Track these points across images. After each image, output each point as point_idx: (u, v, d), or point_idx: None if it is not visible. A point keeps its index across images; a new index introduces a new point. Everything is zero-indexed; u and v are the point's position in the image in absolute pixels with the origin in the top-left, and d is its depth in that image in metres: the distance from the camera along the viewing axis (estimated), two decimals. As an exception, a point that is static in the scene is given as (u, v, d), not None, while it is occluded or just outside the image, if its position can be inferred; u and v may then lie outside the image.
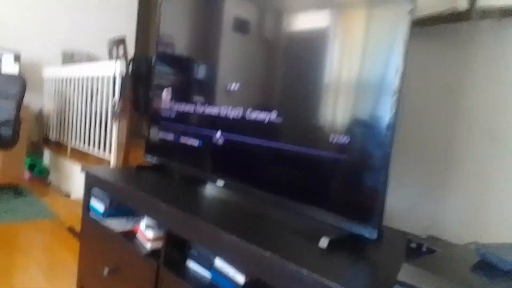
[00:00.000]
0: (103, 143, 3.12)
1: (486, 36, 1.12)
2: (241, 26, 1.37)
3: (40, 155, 4.05)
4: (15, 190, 3.23)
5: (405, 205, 1.26)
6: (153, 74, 1.74)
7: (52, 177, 3.77)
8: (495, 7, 1.07)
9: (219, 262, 1.08)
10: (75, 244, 2.26)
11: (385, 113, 0.92)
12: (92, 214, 1.59)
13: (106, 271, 1.39)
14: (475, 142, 1.13)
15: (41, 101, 4.25)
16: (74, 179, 3.29)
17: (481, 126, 1.12)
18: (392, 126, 0.90)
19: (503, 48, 1.09)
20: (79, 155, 3.50)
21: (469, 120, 1.14)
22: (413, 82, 1.25)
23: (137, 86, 3.04)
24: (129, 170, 1.70)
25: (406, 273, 0.68)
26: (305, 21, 1.16)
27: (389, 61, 0.92)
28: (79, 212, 1.69)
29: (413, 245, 0.97)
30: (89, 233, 1.60)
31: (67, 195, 3.35)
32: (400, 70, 0.89)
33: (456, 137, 1.17)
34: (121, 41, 3.22)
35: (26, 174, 3.67)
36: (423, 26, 1.22)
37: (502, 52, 1.09)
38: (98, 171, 1.61)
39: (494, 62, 1.10)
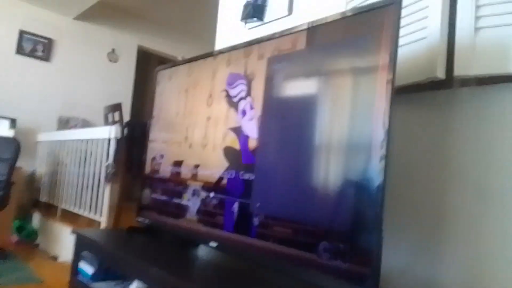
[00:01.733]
0: (95, 205, 3.08)
1: (465, 103, 1.19)
2: (229, 97, 1.44)
3: (29, 217, 3.97)
4: (1, 253, 3.12)
5: (401, 265, 1.25)
6: (148, 138, 1.78)
7: (40, 240, 3.66)
8: (471, 76, 1.14)
9: (211, 328, 1.04)
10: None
11: (374, 176, 0.94)
12: (80, 277, 1.54)
13: None
14: (466, 199, 1.15)
15: (33, 164, 4.25)
16: (63, 242, 3.21)
17: (469, 186, 1.15)
18: (381, 187, 0.93)
19: (482, 113, 1.15)
20: (70, 218, 3.44)
21: (457, 181, 1.17)
22: (402, 145, 1.29)
23: (131, 149, 3.08)
24: (120, 232, 1.68)
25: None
26: (290, 95, 1.22)
27: (374, 127, 0.96)
28: (66, 276, 1.64)
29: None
30: (76, 298, 1.54)
31: (54, 259, 3.24)
32: (385, 134, 0.93)
33: (446, 196, 1.19)
34: (117, 107, 3.32)
35: (14, 237, 3.57)
36: (405, 93, 1.29)
37: (481, 116, 1.15)
38: (89, 233, 1.58)
39: (475, 126, 1.16)
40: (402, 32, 1.10)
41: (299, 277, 1.07)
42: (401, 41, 1.09)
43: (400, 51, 1.07)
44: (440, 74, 1.16)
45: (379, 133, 0.95)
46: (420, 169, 1.26)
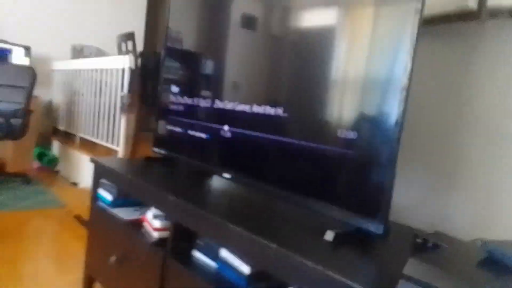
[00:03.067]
0: (112, 135, 3.15)
1: (494, 36, 1.12)
2: (249, 22, 1.38)
3: (49, 145, 4.09)
4: (24, 179, 3.27)
5: (412, 201, 1.27)
6: (162, 68, 1.75)
7: (60, 167, 3.81)
8: (504, 6, 1.07)
9: (224, 253, 1.09)
10: (82, 233, 2.29)
11: (393, 110, 0.92)
12: (100, 203, 1.61)
13: (113, 259, 1.41)
14: (482, 141, 1.13)
15: (50, 93, 4.29)
16: (82, 169, 3.33)
17: (488, 125, 1.12)
18: (399, 123, 0.91)
19: (511, 47, 1.08)
20: (88, 146, 3.54)
21: (476, 119, 1.14)
22: (421, 80, 1.24)
23: (145, 80, 3.07)
24: (137, 162, 1.72)
25: (412, 267, 0.68)
26: (313, 19, 1.16)
27: (397, 59, 0.92)
28: (86, 201, 1.72)
29: (419, 240, 0.97)
30: (96, 221, 1.63)
31: (75, 184, 3.39)
32: (408, 68, 0.90)
33: (462, 135, 1.17)
34: (130, 36, 3.24)
35: (35, 164, 3.71)
36: (432, 24, 1.22)
37: (509, 51, 1.08)
38: (107, 162, 1.62)
39: (502, 63, 1.10)
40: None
41: (310, 207, 1.09)
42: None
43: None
44: (472, 3, 1.08)
45: (401, 65, 0.91)
46: (438, 107, 1.23)
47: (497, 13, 1.08)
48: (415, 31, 0.89)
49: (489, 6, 1.07)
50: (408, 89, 0.89)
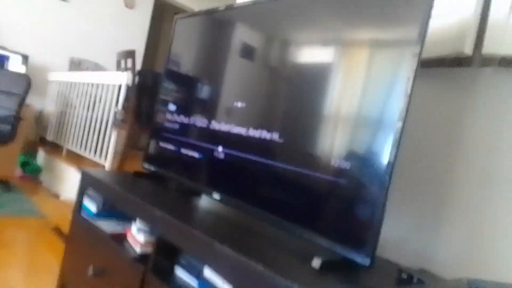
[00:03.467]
0: (100, 149, 3.12)
1: (487, 83, 1.17)
2: (249, 52, 1.42)
3: (35, 154, 4.03)
4: (5, 185, 3.19)
5: (398, 237, 1.27)
6: (161, 88, 1.77)
7: (43, 177, 3.74)
8: (497, 55, 1.12)
9: (208, 272, 1.07)
10: (58, 245, 2.23)
11: (386, 146, 0.94)
12: (83, 214, 1.58)
13: (91, 271, 1.36)
14: (471, 181, 1.15)
15: (43, 103, 4.27)
16: (66, 180, 3.27)
17: (478, 167, 1.15)
18: (392, 159, 0.92)
19: (503, 96, 1.13)
20: (74, 158, 3.50)
21: (467, 160, 1.17)
22: (415, 118, 1.28)
23: (141, 98, 3.08)
24: (126, 175, 1.70)
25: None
26: (313, 55, 1.20)
27: (393, 99, 0.95)
28: (67, 213, 1.69)
29: (404, 275, 0.97)
30: (78, 232, 1.59)
31: (57, 196, 3.31)
32: (403, 108, 0.92)
33: (452, 174, 1.20)
34: (130, 54, 3.29)
35: (18, 172, 3.64)
36: (427, 67, 1.27)
37: (501, 99, 1.13)
38: (95, 172, 1.61)
39: (493, 108, 1.14)
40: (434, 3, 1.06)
41: (299, 234, 1.09)
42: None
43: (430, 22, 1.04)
44: (468, 50, 1.13)
45: (398, 107, 0.93)
46: (430, 145, 1.26)
47: (490, 61, 1.14)
48: (412, 73, 0.92)
49: (484, 54, 1.12)
50: (403, 127, 0.92)
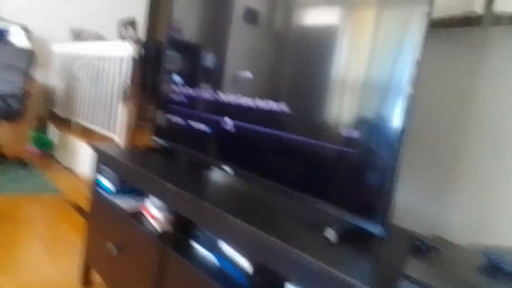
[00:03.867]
0: (109, 123, 3.13)
1: (498, 42, 1.13)
2: (254, 16, 1.38)
3: (46, 130, 4.06)
4: (20, 162, 3.25)
5: (411, 204, 1.28)
6: (164, 58, 1.74)
7: (56, 152, 3.79)
8: (509, 13, 1.07)
9: (224, 246, 1.10)
10: (76, 219, 2.29)
11: (397, 112, 0.92)
12: (100, 191, 1.61)
13: (112, 248, 1.41)
14: (482, 145, 1.14)
15: (48, 76, 4.25)
16: (79, 155, 3.32)
17: (488, 130, 1.13)
18: (403, 125, 0.91)
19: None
20: (84, 132, 3.52)
21: (477, 123, 1.16)
22: (424, 82, 1.25)
23: (145, 68, 3.05)
24: (138, 151, 1.72)
25: (413, 268, 0.69)
26: (319, 17, 1.16)
27: (403, 61, 0.93)
28: (82, 188, 1.72)
29: (419, 243, 0.98)
30: (97, 210, 1.63)
31: (71, 170, 3.37)
32: (413, 71, 0.90)
33: (463, 139, 1.19)
34: (131, 23, 3.22)
35: (31, 148, 3.69)
36: (436, 28, 1.23)
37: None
38: (107, 149, 1.62)
39: (504, 68, 1.11)
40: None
41: (311, 204, 1.10)
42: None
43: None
44: (479, 8, 1.09)
45: (407, 68, 0.91)
46: (441, 108, 1.24)
47: (502, 20, 1.09)
48: (422, 34, 0.89)
49: (495, 12, 1.08)
50: (413, 91, 0.90)
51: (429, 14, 0.89)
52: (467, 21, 1.16)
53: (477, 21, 1.14)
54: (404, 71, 0.92)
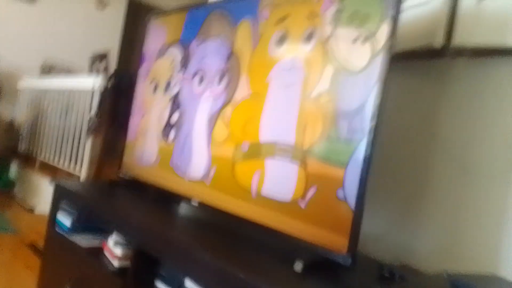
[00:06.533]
0: (75, 158, 3.03)
1: (459, 73, 1.17)
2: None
3: (6, 167, 3.89)
4: (-24, 201, 3.07)
5: (378, 232, 1.27)
6: (135, 90, 1.72)
7: (17, 190, 3.61)
8: (469, 46, 1.12)
9: (189, 284, 1.04)
10: (35, 262, 2.14)
11: (362, 143, 0.92)
12: (58, 228, 1.52)
13: (67, 289, 1.32)
14: (448, 173, 1.15)
15: (14, 111, 4.12)
16: (41, 193, 3.17)
17: (454, 158, 1.15)
18: (368, 156, 0.91)
19: (475, 86, 1.13)
20: (49, 169, 3.39)
21: (443, 152, 1.17)
22: (390, 113, 1.27)
23: (117, 100, 3.00)
24: (101, 185, 1.65)
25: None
26: (285, 50, 1.17)
27: (367, 93, 0.94)
28: (42, 227, 1.62)
29: (386, 272, 0.96)
30: (53, 248, 1.53)
31: (31, 210, 3.21)
32: (377, 102, 0.91)
33: (429, 168, 1.20)
34: (103, 56, 3.20)
35: (-10, 186, 3.51)
36: (400, 60, 1.26)
37: (474, 89, 1.13)
38: (69, 183, 1.55)
39: (466, 98, 1.15)
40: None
41: (277, 237, 1.07)
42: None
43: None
44: (438, 42, 1.13)
45: (370, 103, 0.92)
46: (407, 138, 1.25)
47: (462, 52, 1.14)
48: (385, 68, 0.91)
49: (455, 45, 1.12)
50: (378, 122, 0.91)
51: (391, 47, 0.91)
52: (429, 54, 1.20)
53: (438, 54, 1.18)
54: (368, 102, 0.93)
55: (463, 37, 1.10)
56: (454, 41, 1.12)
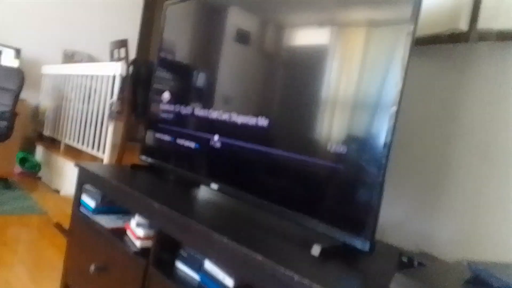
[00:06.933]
0: (98, 143, 3.10)
1: (483, 58, 1.14)
2: (242, 37, 1.39)
3: (33, 150, 4.01)
4: (5, 183, 3.19)
5: (397, 220, 1.27)
6: (154, 77, 1.75)
7: (43, 173, 3.73)
8: (493, 30, 1.09)
9: (208, 265, 1.07)
10: (61, 241, 2.23)
11: (383, 128, 0.92)
12: (82, 210, 1.57)
13: (93, 268, 1.37)
14: (469, 160, 1.14)
15: (38, 97, 4.23)
16: (65, 175, 3.26)
17: (475, 145, 1.13)
18: (388, 141, 0.91)
19: (499, 70, 1.11)
20: (72, 153, 3.48)
21: (464, 139, 1.16)
22: (410, 98, 1.26)
23: (136, 88, 3.04)
24: (123, 169, 1.69)
25: (398, 282, 0.67)
26: (307, 37, 1.17)
27: (388, 78, 0.93)
28: (67, 208, 1.68)
29: (405, 259, 0.97)
30: (78, 228, 1.59)
31: (57, 191, 3.31)
32: (398, 87, 0.91)
33: (450, 155, 1.18)
34: (123, 43, 3.24)
35: (17, 168, 3.63)
36: (423, 45, 1.24)
37: (497, 74, 1.11)
38: (92, 167, 1.60)
39: (489, 84, 1.12)
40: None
41: (297, 221, 1.08)
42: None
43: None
44: (463, 25, 1.11)
45: (392, 84, 0.92)
46: (428, 123, 1.24)
47: (486, 36, 1.11)
48: (407, 52, 0.90)
49: (479, 29, 1.09)
50: (398, 107, 0.90)
51: (413, 32, 0.90)
52: (453, 38, 1.18)
53: (462, 38, 1.16)
54: (390, 88, 0.92)
55: (487, 21, 1.07)
56: (478, 25, 1.09)
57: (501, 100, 1.09)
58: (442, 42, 1.20)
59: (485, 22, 1.08)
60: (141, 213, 1.27)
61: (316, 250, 0.95)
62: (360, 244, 0.93)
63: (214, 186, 1.34)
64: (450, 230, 1.15)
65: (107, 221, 1.45)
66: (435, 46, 1.23)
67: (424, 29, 1.19)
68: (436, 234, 1.18)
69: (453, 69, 1.20)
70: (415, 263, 0.95)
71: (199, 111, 1.46)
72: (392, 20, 0.97)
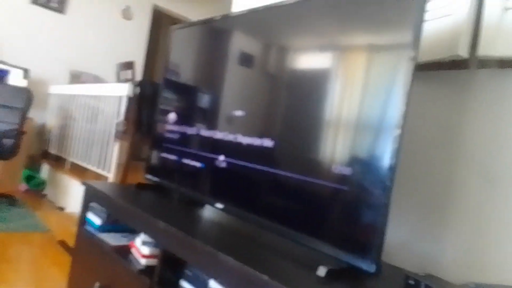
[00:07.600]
0: (103, 161, 3.13)
1: (484, 84, 1.17)
2: (246, 60, 1.42)
3: (38, 168, 4.04)
4: (10, 200, 3.20)
5: (402, 241, 1.27)
6: (160, 97, 1.78)
7: (48, 191, 3.75)
8: (494, 57, 1.12)
9: (213, 285, 1.07)
10: (64, 259, 2.23)
11: (387, 151, 0.94)
12: (87, 227, 1.58)
13: (97, 286, 1.37)
14: (473, 183, 1.15)
15: (44, 116, 4.29)
16: (70, 193, 3.28)
17: (479, 168, 1.15)
18: (393, 163, 0.93)
19: (500, 97, 1.13)
20: (78, 171, 3.51)
21: (467, 162, 1.17)
22: (415, 122, 1.28)
23: (141, 108, 3.09)
24: (129, 187, 1.71)
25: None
26: (309, 62, 1.21)
27: (391, 102, 0.96)
28: (72, 226, 1.69)
29: (411, 281, 0.97)
30: (82, 246, 1.59)
31: (61, 209, 3.32)
32: (401, 111, 0.92)
33: (454, 177, 1.20)
34: (130, 65, 3.31)
35: (22, 186, 3.65)
36: (426, 70, 1.27)
37: (498, 100, 1.13)
38: (98, 185, 1.62)
39: (491, 108, 1.14)
40: (427, 6, 1.07)
41: (303, 242, 1.09)
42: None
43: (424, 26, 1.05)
44: (463, 52, 1.14)
45: (395, 112, 0.94)
46: (432, 146, 1.26)
47: (487, 63, 1.14)
48: (409, 77, 0.93)
49: (479, 56, 1.12)
50: (403, 131, 0.92)
51: (414, 58, 0.93)
52: (454, 65, 1.21)
53: (463, 65, 1.19)
54: (393, 112, 0.94)
55: (487, 48, 1.10)
56: (478, 52, 1.12)
57: (502, 125, 1.11)
58: (444, 68, 1.23)
59: (484, 50, 1.11)
60: (146, 232, 1.28)
61: (321, 271, 0.95)
62: (366, 265, 0.94)
63: (219, 205, 1.35)
64: (456, 251, 1.16)
65: (112, 239, 1.46)
66: (438, 72, 1.26)
67: (427, 55, 1.22)
68: (442, 256, 1.19)
69: (455, 94, 1.23)
70: (422, 285, 0.95)
71: (205, 132, 1.49)
72: (394, 45, 1.00)
